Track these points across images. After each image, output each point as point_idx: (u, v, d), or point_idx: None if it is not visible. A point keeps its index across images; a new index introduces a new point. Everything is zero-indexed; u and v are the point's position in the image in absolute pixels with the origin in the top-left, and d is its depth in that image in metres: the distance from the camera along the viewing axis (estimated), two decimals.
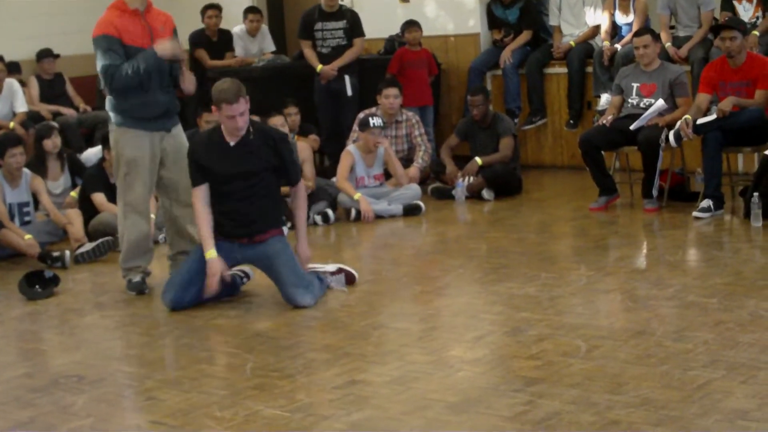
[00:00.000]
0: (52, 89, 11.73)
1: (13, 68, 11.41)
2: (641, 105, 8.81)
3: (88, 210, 8.82)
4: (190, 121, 9.70)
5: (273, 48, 12.12)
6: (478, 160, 9.74)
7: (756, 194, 7.88)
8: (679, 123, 8.35)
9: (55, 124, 10.25)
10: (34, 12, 12.29)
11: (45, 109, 11.38)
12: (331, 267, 6.89)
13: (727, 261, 7.04)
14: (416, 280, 7.17)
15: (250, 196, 6.58)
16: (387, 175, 9.63)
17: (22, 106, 10.98)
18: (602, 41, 10.60)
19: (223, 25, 12.15)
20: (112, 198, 8.42)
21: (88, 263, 8.21)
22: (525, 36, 11.21)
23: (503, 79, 11.19)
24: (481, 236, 8.43)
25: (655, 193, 8.64)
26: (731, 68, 8.46)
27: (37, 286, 7.29)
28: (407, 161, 9.96)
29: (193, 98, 8.98)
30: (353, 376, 5.16)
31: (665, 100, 8.68)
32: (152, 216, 7.62)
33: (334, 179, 9.54)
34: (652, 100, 8.74)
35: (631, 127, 8.64)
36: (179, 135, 7.17)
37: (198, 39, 12.05)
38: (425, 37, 11.26)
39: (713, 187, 8.32)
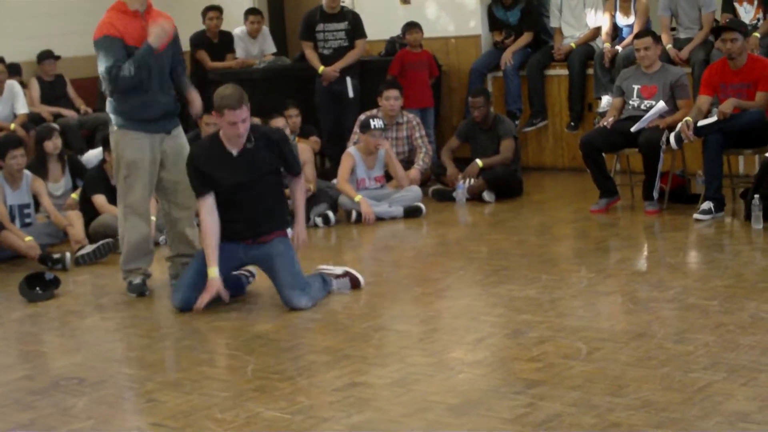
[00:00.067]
0: (52, 91, 11.73)
1: (14, 70, 11.41)
2: (642, 107, 8.81)
3: (89, 212, 8.82)
4: (191, 123, 9.70)
5: (274, 50, 12.12)
6: (479, 162, 9.74)
7: (757, 196, 7.88)
8: (679, 125, 8.35)
9: (55, 125, 10.26)
10: (34, 12, 12.28)
11: (46, 110, 11.38)
12: (338, 270, 6.88)
13: (727, 263, 7.04)
14: (417, 282, 7.16)
15: (255, 200, 6.60)
16: (388, 177, 9.62)
17: (22, 108, 10.99)
18: (603, 43, 10.60)
19: (223, 27, 12.15)
20: (112, 200, 8.42)
21: (88, 265, 8.21)
22: (526, 38, 11.21)
23: (504, 80, 11.19)
24: (481, 238, 8.43)
25: (655, 195, 8.63)
26: (732, 70, 8.46)
27: (37, 288, 7.29)
28: (408, 163, 9.96)
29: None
30: (354, 378, 5.16)
31: (666, 102, 8.68)
32: (153, 218, 7.62)
33: (334, 181, 9.54)
34: (653, 102, 8.74)
35: (632, 129, 8.64)
36: (179, 137, 7.17)
37: (199, 40, 12.05)
38: (426, 38, 11.26)
39: (714, 189, 8.32)
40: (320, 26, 10.76)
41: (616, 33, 10.63)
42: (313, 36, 10.80)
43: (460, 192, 9.68)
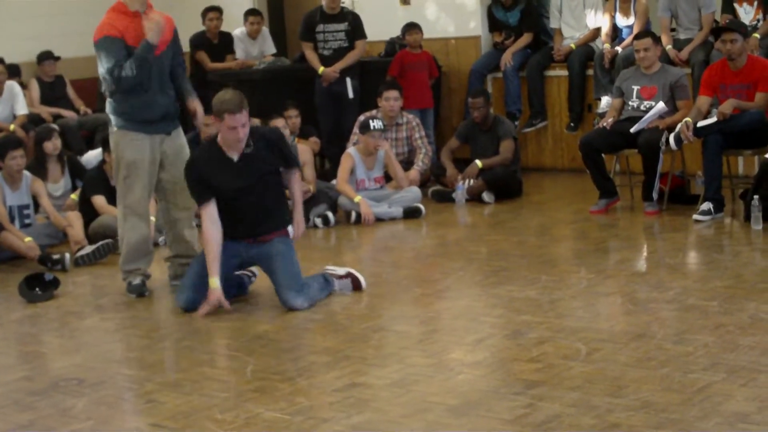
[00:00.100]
0: (52, 92, 11.73)
1: (13, 71, 11.41)
2: (642, 108, 8.81)
3: (89, 212, 8.82)
4: (190, 123, 9.68)
5: (273, 50, 12.12)
6: (479, 162, 9.74)
7: (756, 197, 7.88)
8: (679, 126, 8.35)
9: (55, 126, 10.27)
10: (34, 13, 12.28)
11: (45, 111, 11.38)
12: (342, 270, 6.89)
13: (727, 264, 7.04)
14: (416, 283, 7.16)
15: (256, 202, 6.60)
16: (387, 177, 9.62)
17: (22, 109, 10.98)
18: (603, 44, 10.60)
19: (223, 28, 12.15)
20: (112, 200, 8.42)
21: (88, 266, 8.21)
22: (526, 38, 11.21)
23: (504, 81, 11.19)
24: (481, 239, 8.44)
25: (655, 196, 8.63)
26: (732, 71, 8.46)
27: (37, 289, 7.29)
28: (407, 164, 9.95)
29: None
30: (353, 379, 5.16)
31: (666, 103, 8.68)
32: (152, 218, 7.62)
33: (333, 182, 9.54)
34: (653, 103, 8.74)
35: (632, 130, 8.64)
36: (179, 137, 7.18)
37: (199, 41, 12.05)
38: (426, 39, 11.26)
39: (713, 190, 8.32)
40: (320, 27, 10.76)
41: (615, 34, 10.63)
42: (313, 37, 10.80)
43: (460, 193, 9.68)
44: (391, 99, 9.99)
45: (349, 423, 4.61)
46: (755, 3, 9.79)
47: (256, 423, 4.69)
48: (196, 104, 7.27)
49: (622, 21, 10.57)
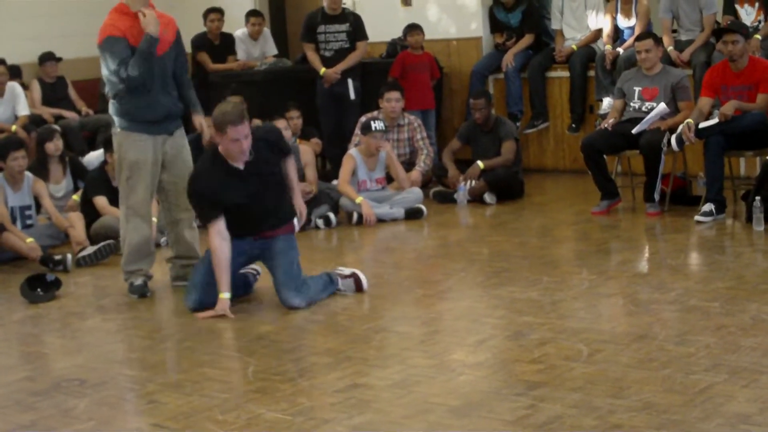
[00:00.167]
0: (54, 92, 11.74)
1: (14, 72, 11.41)
2: (643, 109, 8.81)
3: (90, 213, 8.82)
4: (193, 126, 9.69)
5: (275, 51, 12.13)
6: (480, 163, 9.74)
7: (758, 198, 7.88)
8: (681, 127, 8.35)
9: (57, 127, 10.28)
10: (35, 14, 12.28)
11: (47, 112, 11.39)
12: (348, 270, 6.89)
13: (729, 265, 7.04)
14: (418, 284, 7.16)
15: (262, 203, 6.61)
16: (389, 178, 9.63)
17: (24, 110, 10.99)
18: (604, 45, 10.60)
19: (225, 29, 12.15)
20: (113, 201, 8.43)
21: (89, 266, 8.21)
22: (527, 40, 11.21)
23: (505, 82, 11.19)
24: (482, 240, 8.44)
25: (656, 197, 8.63)
26: (733, 72, 8.46)
27: (38, 290, 7.29)
28: (409, 165, 9.96)
29: None
30: (355, 380, 5.16)
31: (667, 104, 8.68)
32: (153, 219, 7.62)
33: (335, 182, 9.55)
34: (654, 104, 8.74)
35: (634, 131, 8.64)
36: (180, 138, 7.18)
37: (200, 42, 12.05)
38: (427, 40, 11.26)
39: (715, 191, 8.32)
40: (321, 27, 10.76)
41: (617, 35, 10.63)
42: (314, 38, 10.80)
43: (461, 194, 9.68)
44: (392, 100, 9.99)
45: (350, 424, 4.61)
46: (756, 4, 9.80)
47: (257, 424, 4.69)
48: (200, 119, 7.29)
49: (623, 22, 10.57)
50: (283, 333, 6.13)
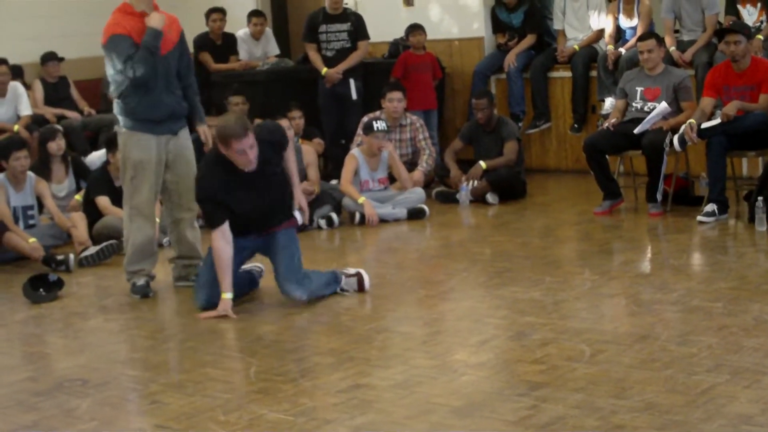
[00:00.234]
0: (56, 92, 11.74)
1: (16, 72, 11.41)
2: (645, 109, 8.81)
3: (93, 213, 8.83)
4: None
5: (277, 51, 12.13)
6: (483, 164, 9.74)
7: (760, 198, 7.87)
8: (683, 127, 8.34)
9: (59, 127, 10.27)
10: (35, 14, 12.29)
11: (49, 112, 11.39)
12: (353, 270, 6.89)
13: (731, 265, 7.03)
14: (420, 284, 7.16)
15: (267, 202, 6.62)
16: (391, 178, 9.63)
17: (26, 110, 10.99)
18: (606, 45, 10.61)
19: (227, 29, 12.15)
20: (116, 201, 8.43)
21: (92, 267, 8.22)
22: (529, 40, 11.21)
23: (507, 82, 11.20)
24: (485, 240, 8.43)
25: (659, 197, 8.63)
26: (735, 72, 8.46)
27: (41, 290, 7.30)
28: (411, 165, 9.96)
29: None
30: (357, 380, 5.16)
31: (669, 105, 8.67)
32: (156, 220, 7.63)
33: (333, 182, 9.56)
34: (656, 104, 8.73)
35: (636, 131, 8.64)
36: (184, 138, 7.18)
37: (202, 42, 12.05)
38: (429, 40, 11.27)
39: (717, 191, 8.32)
40: (323, 27, 10.77)
41: (619, 35, 10.63)
42: (316, 37, 10.81)
43: (464, 194, 9.68)
44: (394, 100, 9.99)
45: (352, 424, 4.61)
46: (759, 4, 9.80)
47: (259, 424, 4.69)
48: (204, 128, 7.32)
49: (625, 22, 10.57)
50: (285, 333, 6.13)
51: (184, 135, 7.19)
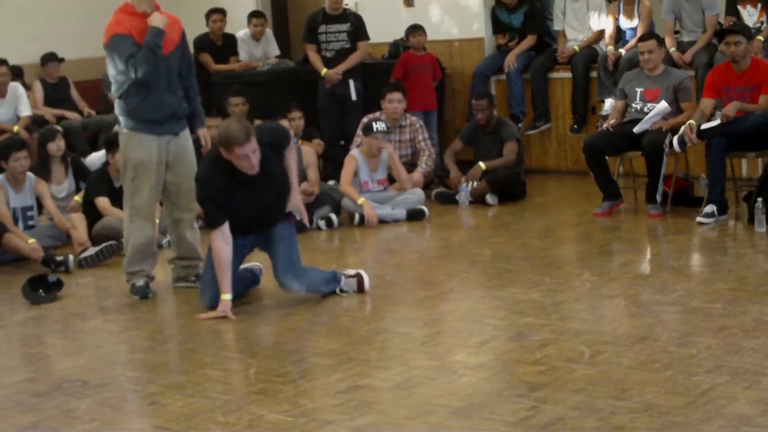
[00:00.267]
0: (56, 93, 11.74)
1: (16, 73, 11.41)
2: (645, 110, 8.80)
3: (92, 214, 8.83)
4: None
5: (277, 52, 12.13)
6: (482, 164, 9.74)
7: (760, 199, 7.87)
8: (683, 128, 8.34)
9: (59, 128, 10.28)
10: (35, 14, 12.28)
11: (49, 113, 11.39)
12: (353, 271, 6.89)
13: (731, 266, 7.03)
14: (420, 285, 7.16)
15: (267, 203, 6.63)
16: (391, 179, 9.63)
17: (26, 110, 10.99)
18: (606, 46, 10.61)
19: (227, 30, 12.14)
20: (115, 202, 8.44)
21: (91, 267, 8.21)
22: (529, 41, 11.21)
23: (507, 83, 11.19)
24: (484, 241, 8.43)
25: (658, 198, 8.63)
26: (735, 73, 8.46)
27: (40, 291, 7.29)
28: (411, 166, 9.96)
29: None
30: (356, 381, 5.16)
31: (669, 105, 8.67)
32: (156, 221, 7.63)
33: (330, 182, 9.56)
34: (656, 105, 8.73)
35: (635, 129, 8.64)
36: (185, 138, 7.17)
37: (202, 43, 12.04)
38: (430, 41, 11.27)
39: (717, 192, 8.32)
40: (322, 28, 10.77)
41: (619, 36, 10.63)
42: (315, 38, 10.81)
43: (463, 195, 9.68)
44: (394, 101, 9.99)
45: (352, 425, 4.61)
46: (759, 5, 9.80)
47: (259, 425, 4.69)
48: (203, 132, 7.32)
49: (625, 23, 10.57)
50: (284, 334, 6.13)
51: (185, 136, 7.19)
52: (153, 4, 6.96)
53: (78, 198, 9.24)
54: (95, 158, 10.19)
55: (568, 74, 10.93)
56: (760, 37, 9.50)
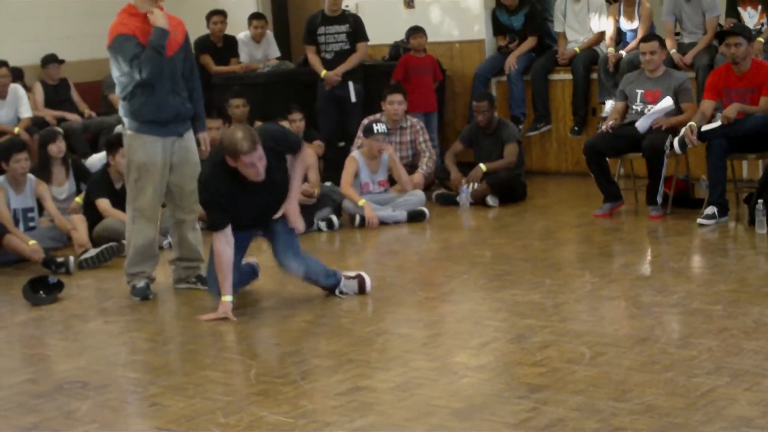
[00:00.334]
0: (57, 94, 11.74)
1: (16, 74, 11.42)
2: (645, 111, 8.80)
3: (93, 216, 8.82)
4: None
5: (278, 54, 12.13)
6: (483, 166, 9.74)
7: (760, 201, 7.87)
8: (683, 130, 8.34)
9: (59, 129, 10.28)
10: (35, 15, 12.28)
11: (50, 114, 11.39)
12: (354, 273, 6.89)
13: (731, 268, 7.03)
14: (420, 287, 7.16)
15: (270, 203, 6.65)
16: (391, 181, 9.63)
17: (26, 112, 10.99)
18: (607, 47, 10.61)
19: (228, 31, 12.14)
20: (116, 204, 8.45)
21: (92, 269, 8.21)
22: (530, 42, 11.21)
23: (508, 85, 11.19)
24: (485, 243, 8.43)
25: (659, 199, 8.63)
26: (736, 75, 8.46)
27: (41, 292, 7.29)
28: (412, 167, 9.96)
29: None
30: (357, 383, 5.16)
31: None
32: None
33: (327, 183, 9.56)
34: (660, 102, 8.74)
35: (637, 124, 8.65)
36: (189, 140, 7.17)
37: (203, 45, 12.04)
38: (430, 43, 11.27)
39: (718, 193, 8.31)
40: (321, 29, 10.77)
41: (620, 37, 10.63)
42: (315, 40, 10.80)
43: (464, 196, 9.68)
44: (395, 102, 9.99)
45: (352, 426, 4.61)
46: (759, 7, 9.80)
47: (259, 426, 4.69)
48: (203, 136, 7.32)
49: (626, 25, 10.57)
50: (285, 336, 6.13)
51: (190, 137, 7.17)
52: (155, 4, 6.94)
53: (79, 199, 9.23)
54: (96, 160, 10.19)
55: (568, 76, 10.93)
56: (761, 39, 9.51)
